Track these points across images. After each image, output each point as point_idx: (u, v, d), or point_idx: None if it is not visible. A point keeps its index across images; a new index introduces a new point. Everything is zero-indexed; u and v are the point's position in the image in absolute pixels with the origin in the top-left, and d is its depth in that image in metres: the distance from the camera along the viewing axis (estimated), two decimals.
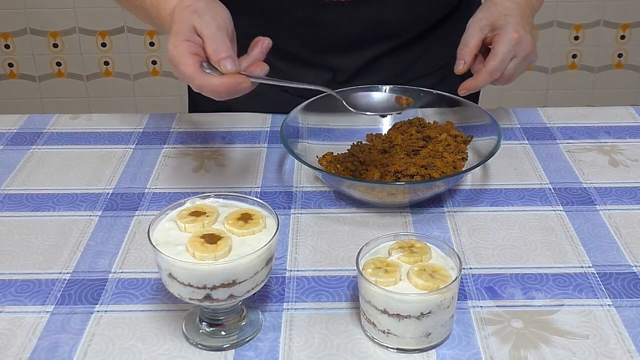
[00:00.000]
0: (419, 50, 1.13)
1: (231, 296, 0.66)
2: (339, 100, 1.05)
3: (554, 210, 0.89)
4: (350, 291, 0.76)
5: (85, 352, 0.69)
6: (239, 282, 0.66)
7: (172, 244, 0.67)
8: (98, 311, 0.74)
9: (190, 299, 0.67)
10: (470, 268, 0.80)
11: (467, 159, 0.96)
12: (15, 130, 1.09)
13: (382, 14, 1.05)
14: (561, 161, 1.00)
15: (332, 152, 0.98)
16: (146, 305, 0.75)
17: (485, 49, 0.99)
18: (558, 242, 0.84)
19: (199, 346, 0.69)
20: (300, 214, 0.89)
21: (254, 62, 0.81)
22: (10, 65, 2.62)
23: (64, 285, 0.77)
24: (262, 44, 0.82)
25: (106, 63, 2.62)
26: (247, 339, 0.70)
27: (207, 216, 0.70)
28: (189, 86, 1.25)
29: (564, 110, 1.14)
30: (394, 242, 0.72)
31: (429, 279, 0.67)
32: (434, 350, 0.69)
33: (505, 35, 0.95)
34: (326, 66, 1.11)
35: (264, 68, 0.80)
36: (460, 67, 0.97)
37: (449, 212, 0.89)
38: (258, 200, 0.73)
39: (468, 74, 0.98)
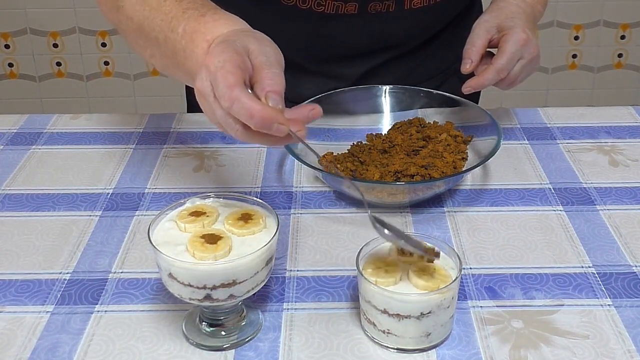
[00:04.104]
0: (422, 56, 1.13)
1: (231, 296, 0.66)
2: (339, 101, 1.05)
3: (554, 210, 0.89)
4: (350, 291, 0.76)
5: (85, 352, 0.69)
6: (239, 282, 0.66)
7: (172, 244, 0.67)
8: (98, 311, 0.74)
9: (190, 299, 0.67)
10: (470, 268, 0.80)
11: (467, 159, 0.96)
12: (15, 130, 1.09)
13: (387, 26, 1.05)
14: (561, 161, 1.00)
15: (332, 152, 0.98)
16: (146, 305, 0.75)
17: (488, 54, 1.00)
18: (558, 242, 0.84)
19: (199, 346, 0.69)
20: (300, 214, 0.89)
21: (295, 119, 0.68)
22: (10, 65, 2.62)
23: (64, 285, 0.77)
24: (310, 109, 0.70)
25: (106, 63, 2.62)
26: (247, 339, 0.70)
27: (207, 216, 0.70)
28: (187, 88, 1.25)
29: (564, 110, 1.14)
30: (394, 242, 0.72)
31: (429, 279, 0.67)
32: (434, 350, 0.69)
33: (513, 35, 0.95)
34: (330, 74, 1.11)
35: (303, 130, 0.68)
36: (467, 67, 0.97)
37: (449, 212, 0.89)
38: (258, 200, 0.73)
39: (470, 75, 0.98)
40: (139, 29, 0.83)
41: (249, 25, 0.77)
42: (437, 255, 0.68)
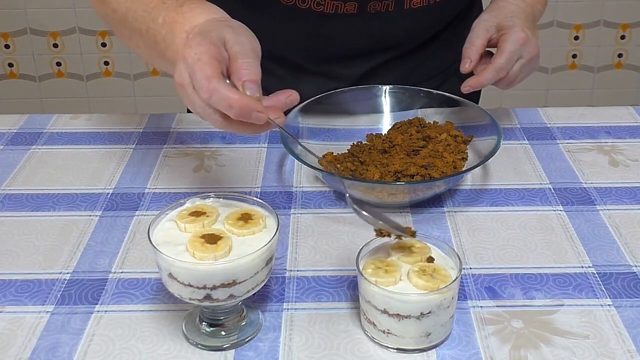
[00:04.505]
0: (422, 56, 1.13)
1: (231, 296, 0.66)
2: (339, 101, 1.05)
3: (554, 210, 0.89)
4: (350, 291, 0.76)
5: (85, 352, 0.69)
6: (239, 282, 0.66)
7: (172, 244, 0.67)
8: (98, 311, 0.74)
9: (190, 299, 0.67)
10: (470, 268, 0.80)
11: (467, 159, 0.96)
12: (15, 130, 1.09)
13: (387, 26, 1.05)
14: (561, 161, 1.00)
15: (332, 152, 0.98)
16: (146, 305, 0.75)
17: (487, 53, 1.00)
18: (558, 242, 0.84)
19: (199, 346, 0.69)
20: (300, 214, 0.89)
21: (273, 106, 0.70)
22: (10, 65, 2.62)
23: (64, 285, 0.77)
24: (287, 96, 0.72)
25: (106, 63, 2.62)
26: (247, 339, 0.70)
27: (207, 216, 0.70)
28: None
29: (564, 110, 1.14)
30: (394, 242, 0.72)
31: (429, 279, 0.67)
32: (434, 350, 0.69)
33: (512, 34, 0.95)
34: (330, 74, 1.11)
35: (282, 117, 0.70)
36: (466, 66, 0.97)
37: (449, 212, 0.89)
38: (258, 200, 0.73)
39: (470, 75, 0.98)
40: (123, 20, 0.84)
41: (226, 14, 0.78)
42: (414, 234, 0.71)
